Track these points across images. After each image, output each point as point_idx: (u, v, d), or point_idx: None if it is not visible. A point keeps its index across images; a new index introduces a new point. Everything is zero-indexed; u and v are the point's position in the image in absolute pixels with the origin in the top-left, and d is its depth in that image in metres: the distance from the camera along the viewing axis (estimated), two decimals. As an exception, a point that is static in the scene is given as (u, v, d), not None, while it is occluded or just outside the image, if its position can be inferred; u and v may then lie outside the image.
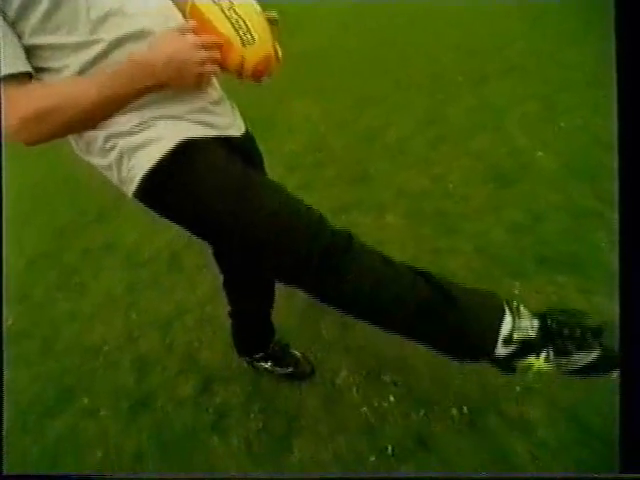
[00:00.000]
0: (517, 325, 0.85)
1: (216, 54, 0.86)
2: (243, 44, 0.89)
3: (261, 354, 1.45)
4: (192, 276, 1.95)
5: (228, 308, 1.39)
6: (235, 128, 1.01)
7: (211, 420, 1.37)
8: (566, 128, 2.01)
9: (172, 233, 2.17)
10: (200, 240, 0.97)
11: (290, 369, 1.42)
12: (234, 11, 0.89)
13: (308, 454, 1.21)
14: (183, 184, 0.87)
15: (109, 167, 0.90)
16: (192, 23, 0.86)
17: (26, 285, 2.29)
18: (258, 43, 0.90)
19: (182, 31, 0.82)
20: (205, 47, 0.83)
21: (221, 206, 0.88)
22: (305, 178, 2.38)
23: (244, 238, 0.89)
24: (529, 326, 0.85)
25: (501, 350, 0.85)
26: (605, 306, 1.28)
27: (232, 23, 0.88)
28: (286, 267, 0.89)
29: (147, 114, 0.86)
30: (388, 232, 1.83)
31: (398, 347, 1.38)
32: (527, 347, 0.85)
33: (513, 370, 0.87)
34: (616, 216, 0.83)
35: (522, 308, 0.87)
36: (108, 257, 2.33)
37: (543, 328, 0.85)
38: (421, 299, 0.86)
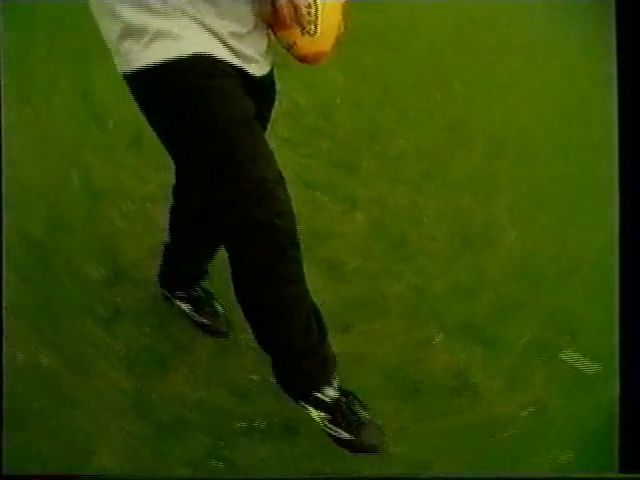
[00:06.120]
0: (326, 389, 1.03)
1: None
2: (302, 32, 0.84)
3: (182, 293, 1.36)
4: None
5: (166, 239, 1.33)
6: (258, 66, 0.93)
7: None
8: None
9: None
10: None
11: (207, 321, 1.35)
12: None
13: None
14: (174, 95, 0.82)
15: (120, 35, 0.80)
16: None
17: None
18: (317, 37, 0.85)
19: None
20: None
21: (195, 136, 0.85)
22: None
23: (194, 165, 0.90)
24: (331, 394, 1.03)
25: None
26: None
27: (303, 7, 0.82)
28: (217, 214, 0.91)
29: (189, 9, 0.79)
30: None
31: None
32: (319, 402, 1.03)
33: (297, 403, 1.06)
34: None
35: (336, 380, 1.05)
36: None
37: (336, 400, 1.03)
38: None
